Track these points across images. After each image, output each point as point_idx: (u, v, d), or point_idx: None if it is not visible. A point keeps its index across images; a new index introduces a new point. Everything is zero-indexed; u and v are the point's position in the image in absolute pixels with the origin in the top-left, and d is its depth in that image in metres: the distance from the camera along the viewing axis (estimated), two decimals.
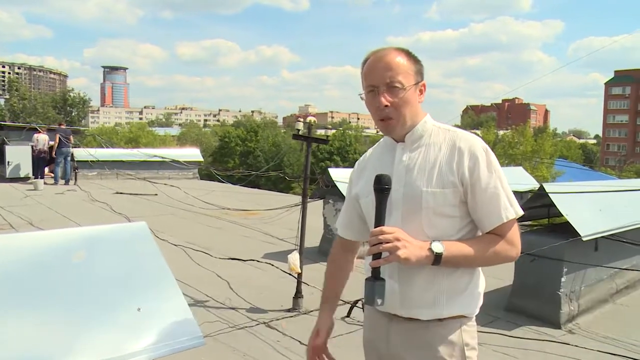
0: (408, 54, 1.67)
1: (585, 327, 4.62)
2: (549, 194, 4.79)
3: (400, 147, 1.70)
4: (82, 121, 54.04)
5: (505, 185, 1.63)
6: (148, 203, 12.31)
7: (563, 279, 4.65)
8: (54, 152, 15.22)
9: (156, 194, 13.38)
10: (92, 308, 1.86)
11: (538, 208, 5.71)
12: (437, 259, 1.52)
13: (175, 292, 2.03)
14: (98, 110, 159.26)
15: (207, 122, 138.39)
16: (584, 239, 4.48)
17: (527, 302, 4.86)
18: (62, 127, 16.38)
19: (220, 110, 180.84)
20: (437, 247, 1.52)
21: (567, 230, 4.63)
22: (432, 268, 1.58)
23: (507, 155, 37.09)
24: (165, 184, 14.48)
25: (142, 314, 1.90)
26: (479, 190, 1.59)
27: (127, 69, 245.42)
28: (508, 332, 4.42)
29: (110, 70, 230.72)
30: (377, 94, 1.63)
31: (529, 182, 10.12)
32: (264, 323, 4.61)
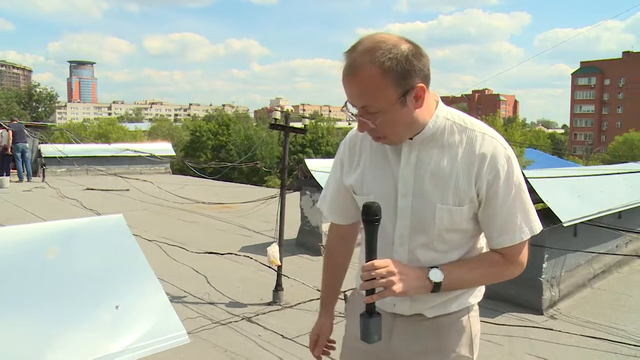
0: (382, 63, 1.29)
1: (567, 312, 4.64)
2: (529, 179, 4.77)
3: (407, 146, 1.45)
4: (50, 117, 52.74)
5: (524, 200, 1.46)
6: (120, 199, 12.03)
7: (544, 265, 4.65)
8: (9, 149, 14.75)
9: (128, 190, 13.09)
10: (66, 307, 1.74)
11: None
12: (435, 287, 1.42)
13: (156, 287, 1.91)
14: (65, 106, 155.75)
15: (178, 117, 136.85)
16: (565, 224, 4.48)
17: (508, 289, 4.84)
18: (15, 122, 15.91)
19: (190, 104, 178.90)
20: (436, 276, 1.41)
21: (547, 216, 4.62)
22: None
23: None
24: (137, 179, 14.19)
25: (121, 311, 1.78)
26: (493, 206, 1.43)
27: (94, 63, 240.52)
28: (491, 319, 4.40)
29: (77, 65, 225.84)
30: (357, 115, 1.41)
31: None
32: (245, 318, 4.50)
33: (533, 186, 4.66)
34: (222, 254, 5.91)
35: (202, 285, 5.39)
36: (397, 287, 1.34)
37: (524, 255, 1.50)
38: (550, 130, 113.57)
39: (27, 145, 15.12)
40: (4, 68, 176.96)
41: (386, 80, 1.30)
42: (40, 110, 50.24)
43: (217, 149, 48.82)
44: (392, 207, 1.48)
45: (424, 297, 1.49)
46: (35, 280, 1.80)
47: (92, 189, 13.24)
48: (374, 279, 1.33)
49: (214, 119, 57.16)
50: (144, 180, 14.01)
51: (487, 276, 1.50)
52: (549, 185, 5.03)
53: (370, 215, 1.35)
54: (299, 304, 4.90)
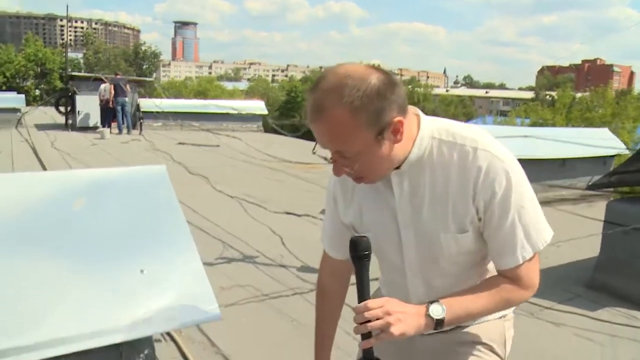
0: (351, 102, 1.14)
1: None
2: None
3: (397, 175, 1.32)
4: (154, 74, 55.12)
5: (527, 215, 1.29)
6: (209, 154, 12.20)
7: None
8: (111, 102, 15.37)
9: (218, 145, 13.27)
10: (84, 265, 1.51)
11: (632, 173, 5.00)
12: (438, 324, 1.27)
13: (191, 252, 1.63)
14: (169, 64, 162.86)
15: (275, 78, 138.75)
16: None
17: (615, 280, 4.24)
18: (118, 76, 16.50)
19: (288, 65, 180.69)
20: (437, 312, 1.26)
21: None
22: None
23: (584, 119, 34.73)
24: (227, 136, 14.35)
25: (145, 277, 1.52)
26: (492, 227, 1.30)
27: (197, 24, 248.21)
28: (591, 312, 3.86)
29: (181, 25, 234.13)
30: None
31: (615, 146, 9.18)
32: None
33: None
34: (299, 215, 5.68)
35: (277, 246, 5.19)
36: (396, 328, 1.21)
37: (533, 276, 1.34)
38: None
39: (126, 99, 15.69)
40: (116, 28, 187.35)
41: (358, 121, 1.16)
42: (145, 67, 52.59)
43: None
44: (396, 241, 1.39)
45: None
46: (56, 232, 1.58)
47: (183, 144, 13.53)
48: (369, 321, 1.20)
49: (310, 80, 57.30)
50: (234, 137, 14.13)
51: (494, 304, 1.34)
52: None
53: (359, 251, 1.23)
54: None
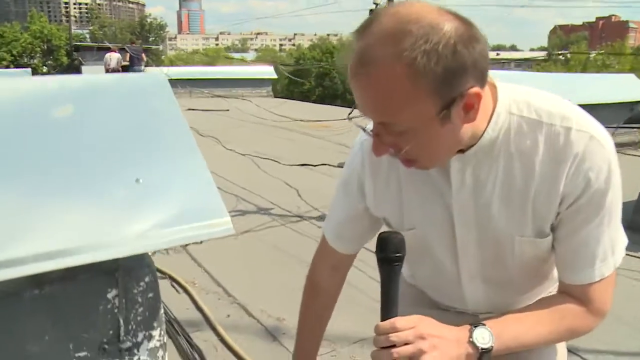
0: (413, 59, 0.81)
1: None
2: None
3: (458, 161, 1.00)
4: (160, 45, 54.74)
5: (616, 219, 1.00)
6: (220, 118, 11.94)
7: None
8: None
9: (228, 110, 13.00)
10: (66, 176, 1.24)
11: None
12: (483, 355, 0.96)
13: (197, 161, 1.37)
14: (175, 37, 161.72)
15: (283, 47, 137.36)
16: None
17: None
18: (134, 45, 16.20)
19: (295, 34, 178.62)
20: (483, 339, 0.96)
21: None
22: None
23: None
24: (237, 98, 14.10)
25: (142, 186, 1.26)
26: (572, 226, 0.99)
27: None
28: (635, 253, 3.61)
29: None
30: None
31: None
32: None
33: None
34: (315, 166, 5.42)
35: (293, 197, 4.95)
36: (430, 357, 0.91)
37: (607, 300, 1.04)
38: None
39: (142, 68, 15.45)
40: (120, 3, 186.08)
41: (418, 86, 0.83)
42: (151, 39, 52.12)
43: (320, 77, 48.43)
44: (449, 241, 1.10)
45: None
46: (39, 139, 1.32)
47: (193, 109, 13.26)
48: (394, 346, 0.90)
49: (318, 47, 56.63)
50: (243, 99, 13.85)
51: (556, 334, 1.05)
52: None
53: (389, 252, 0.95)
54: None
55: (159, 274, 3.11)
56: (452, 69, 0.83)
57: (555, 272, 1.14)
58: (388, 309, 0.95)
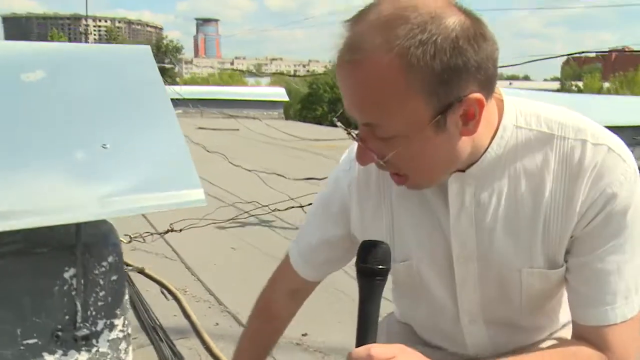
0: (406, 50, 0.72)
1: None
2: None
3: (457, 181, 0.88)
4: (175, 66, 55.50)
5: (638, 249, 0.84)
6: (229, 136, 11.92)
7: None
8: None
9: (238, 129, 12.97)
10: (29, 138, 1.12)
11: None
12: None
13: (173, 131, 1.23)
14: (191, 61, 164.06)
15: (297, 72, 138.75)
16: None
17: None
18: None
19: (310, 60, 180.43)
20: None
21: None
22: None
23: None
24: (246, 117, 14.12)
25: (110, 153, 1.12)
26: (586, 252, 0.85)
27: (218, 20, 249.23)
28: None
29: (203, 22, 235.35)
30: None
31: None
32: None
33: None
34: (320, 179, 5.29)
35: (296, 212, 4.82)
36: None
37: (630, 350, 0.86)
38: None
39: None
40: (139, 27, 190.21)
41: (411, 83, 0.73)
42: (167, 61, 52.87)
43: (333, 102, 48.76)
44: (446, 275, 0.96)
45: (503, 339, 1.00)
46: (9, 102, 1.19)
47: (203, 128, 13.26)
48: None
49: (332, 72, 57.31)
50: (254, 118, 13.85)
51: None
52: None
53: (372, 263, 0.79)
54: None
55: (150, 281, 2.98)
56: (451, 67, 0.72)
57: (566, 309, 1.00)
58: (365, 333, 0.79)
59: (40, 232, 1.23)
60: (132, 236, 3.73)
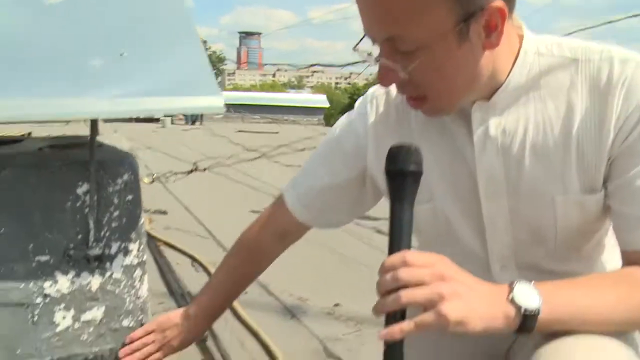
0: None
1: None
2: None
3: (480, 110, 0.83)
4: (218, 78, 56.69)
5: None
6: (268, 138, 12.01)
7: None
8: None
9: (277, 132, 13.08)
10: (44, 47, 1.08)
11: None
12: (528, 321, 0.69)
13: (193, 43, 1.17)
14: (234, 73, 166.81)
15: (339, 85, 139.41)
16: None
17: None
18: None
19: (351, 73, 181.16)
20: (527, 299, 0.69)
21: None
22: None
23: None
24: (287, 124, 14.21)
25: (127, 60, 1.07)
26: (627, 172, 0.78)
27: (261, 33, 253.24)
28: None
29: (246, 35, 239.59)
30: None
31: None
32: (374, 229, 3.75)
33: None
34: None
35: None
36: (451, 307, 0.65)
37: None
38: None
39: None
40: None
41: None
42: None
43: None
44: (474, 215, 0.89)
45: None
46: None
47: (242, 131, 13.42)
48: (405, 286, 0.66)
49: (373, 83, 57.96)
50: (294, 122, 13.96)
51: (629, 306, 0.74)
52: None
53: (404, 164, 0.72)
54: None
55: (181, 255, 2.95)
56: None
57: (602, 260, 0.94)
58: (399, 239, 0.71)
59: (54, 148, 1.20)
60: (154, 175, 3.73)
